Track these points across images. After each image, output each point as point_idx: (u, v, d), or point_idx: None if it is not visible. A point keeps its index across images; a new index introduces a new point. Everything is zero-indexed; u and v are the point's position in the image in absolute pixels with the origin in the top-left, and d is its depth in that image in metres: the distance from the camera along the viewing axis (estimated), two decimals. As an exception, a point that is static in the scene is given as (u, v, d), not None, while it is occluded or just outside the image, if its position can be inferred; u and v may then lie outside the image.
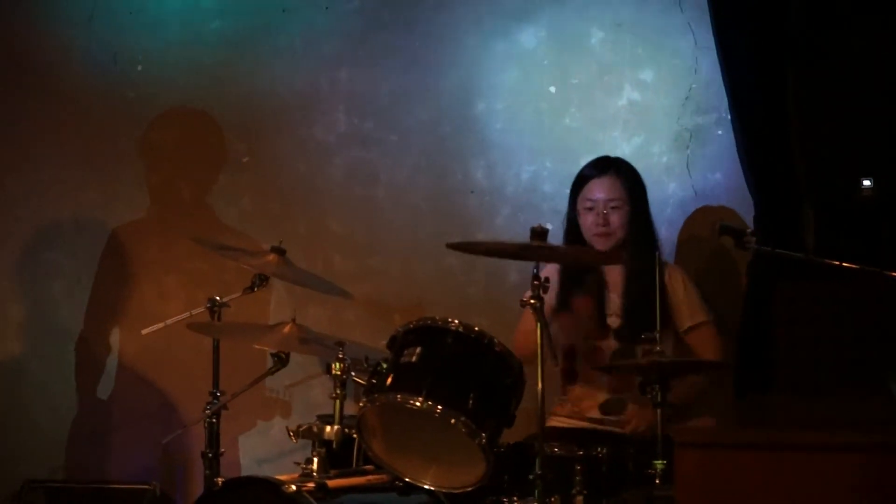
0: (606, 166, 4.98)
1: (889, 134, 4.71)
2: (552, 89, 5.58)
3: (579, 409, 4.84)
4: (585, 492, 4.20)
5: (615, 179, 4.91)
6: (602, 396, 4.82)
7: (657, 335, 4.42)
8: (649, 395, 4.39)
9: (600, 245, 4.84)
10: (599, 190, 4.91)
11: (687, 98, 5.40)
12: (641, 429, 4.69)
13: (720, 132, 5.23)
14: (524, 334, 4.67)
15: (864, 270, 3.89)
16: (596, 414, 4.83)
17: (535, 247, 4.14)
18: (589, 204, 4.92)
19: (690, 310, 4.86)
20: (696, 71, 5.34)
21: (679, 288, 4.87)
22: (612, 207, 4.87)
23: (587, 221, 4.91)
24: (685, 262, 5.27)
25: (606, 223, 4.85)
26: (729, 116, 5.13)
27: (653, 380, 4.19)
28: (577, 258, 4.80)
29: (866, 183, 4.56)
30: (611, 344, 4.87)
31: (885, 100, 4.73)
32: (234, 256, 5.21)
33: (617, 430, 4.74)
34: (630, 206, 4.87)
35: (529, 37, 5.65)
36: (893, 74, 4.71)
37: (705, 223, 5.20)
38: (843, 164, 4.77)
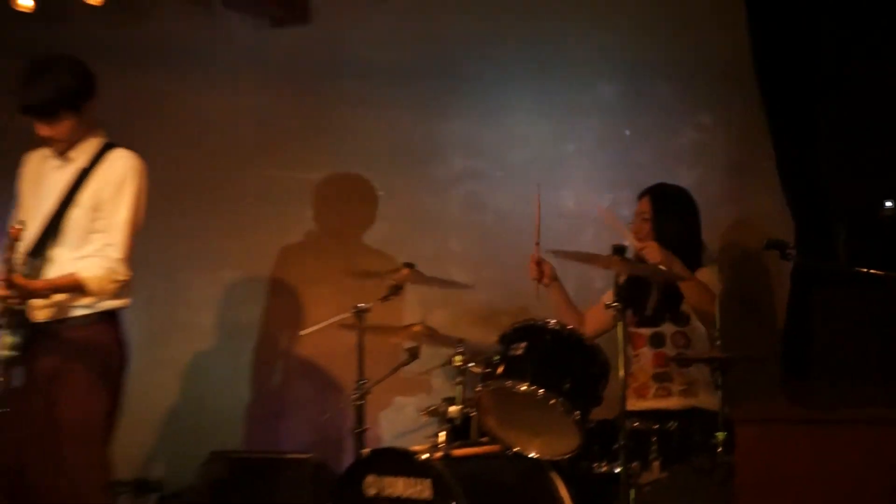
0: (647, 190, 5.03)
1: None
2: (627, 132, 5.64)
3: (637, 384, 4.82)
4: (660, 458, 4.30)
5: (646, 200, 4.97)
6: (650, 371, 4.82)
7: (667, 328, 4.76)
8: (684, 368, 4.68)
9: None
10: (639, 206, 5.01)
11: (739, 134, 5.40)
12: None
13: (765, 164, 5.15)
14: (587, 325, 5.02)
15: (888, 276, 3.89)
16: (652, 385, 4.82)
17: (615, 259, 4.25)
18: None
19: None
20: (745, 116, 5.29)
21: (705, 278, 4.77)
22: (643, 220, 4.93)
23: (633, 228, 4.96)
24: (733, 272, 5.25)
25: (639, 230, 4.89)
26: (773, 151, 5.07)
27: (714, 367, 4.28)
28: (647, 270, 4.67)
29: (888, 204, 4.73)
30: (645, 331, 4.89)
31: None
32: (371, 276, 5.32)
33: (682, 406, 4.73)
34: (653, 223, 4.89)
35: (608, 90, 5.69)
36: None
37: (753, 239, 5.18)
38: (868, 189, 4.82)
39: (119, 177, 4.26)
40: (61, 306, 4.20)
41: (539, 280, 5.10)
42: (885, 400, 2.83)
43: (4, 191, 4.51)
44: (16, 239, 4.06)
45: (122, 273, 4.19)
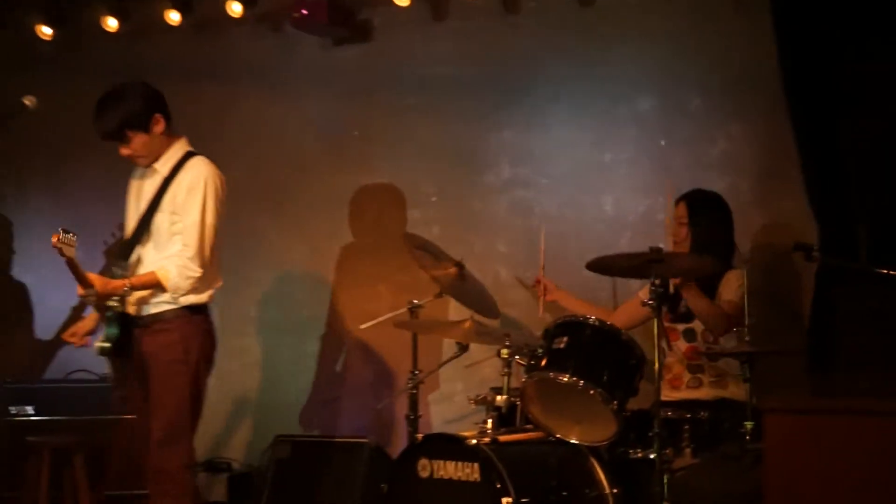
0: (684, 195, 4.99)
1: None
2: (662, 142, 5.58)
3: (672, 374, 4.80)
4: (692, 445, 4.29)
5: (682, 205, 4.93)
6: (683, 363, 4.80)
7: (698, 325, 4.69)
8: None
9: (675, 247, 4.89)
10: (676, 211, 4.96)
11: (767, 144, 5.32)
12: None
13: (793, 172, 5.04)
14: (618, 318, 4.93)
15: None
16: (685, 376, 4.80)
17: (652, 261, 4.22)
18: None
19: (729, 291, 4.70)
20: (774, 124, 5.16)
21: (733, 282, 4.71)
22: (680, 224, 4.91)
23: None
24: (762, 272, 5.14)
25: (677, 234, 4.90)
26: (798, 159, 4.97)
27: (743, 360, 4.23)
28: (682, 268, 4.56)
29: None
30: (679, 326, 4.86)
31: None
32: (427, 272, 5.22)
33: (712, 397, 4.69)
34: (690, 227, 4.87)
35: (644, 103, 5.65)
36: None
37: (781, 241, 5.13)
38: (889, 194, 4.73)
39: (192, 182, 4.40)
40: (153, 302, 4.39)
41: (543, 296, 5.21)
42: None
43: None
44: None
45: (194, 270, 4.33)
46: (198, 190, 4.38)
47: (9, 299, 6.83)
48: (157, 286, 4.33)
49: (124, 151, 4.46)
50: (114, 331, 4.34)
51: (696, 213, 4.93)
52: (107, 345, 4.34)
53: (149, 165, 4.50)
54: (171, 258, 4.35)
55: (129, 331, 4.39)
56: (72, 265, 4.22)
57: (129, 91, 4.45)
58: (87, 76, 6.42)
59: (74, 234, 4.17)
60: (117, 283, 4.31)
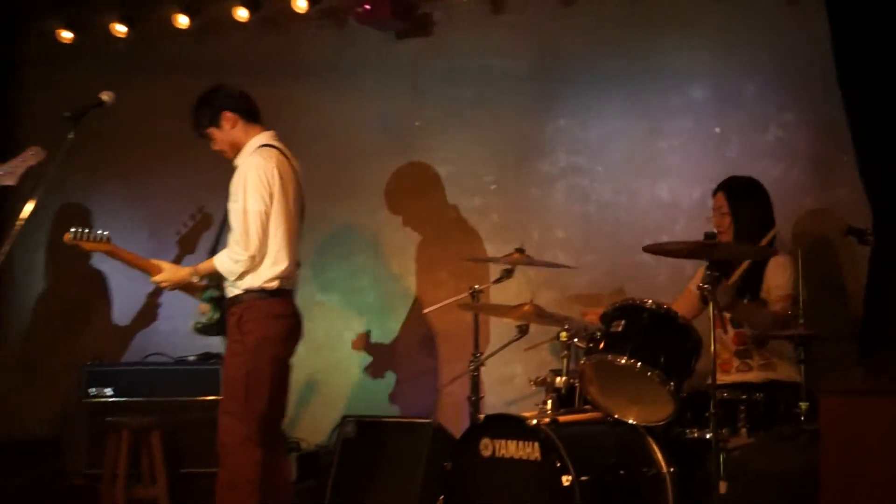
0: (721, 185, 4.92)
1: None
2: (717, 129, 5.54)
3: (720, 360, 4.53)
4: (747, 426, 4.27)
5: (721, 194, 4.88)
6: (732, 349, 4.71)
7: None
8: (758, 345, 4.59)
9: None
10: (715, 202, 4.92)
11: (819, 132, 5.29)
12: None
13: (846, 158, 5.01)
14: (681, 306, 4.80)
15: None
16: (734, 361, 4.71)
17: (706, 246, 4.14)
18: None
19: (779, 285, 4.62)
20: (826, 113, 5.15)
21: (779, 271, 4.65)
22: (722, 214, 4.84)
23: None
24: (815, 256, 5.12)
25: (720, 224, 4.82)
26: (851, 146, 4.89)
27: (797, 343, 4.17)
28: (734, 253, 4.57)
29: None
30: (725, 314, 4.64)
31: None
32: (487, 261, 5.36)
33: (765, 379, 4.59)
34: (731, 215, 4.81)
35: (699, 91, 5.61)
36: None
37: (833, 227, 5.10)
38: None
39: (242, 174, 4.52)
40: (229, 287, 4.52)
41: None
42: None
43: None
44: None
45: (239, 253, 4.41)
46: (241, 180, 4.48)
47: (88, 287, 6.91)
48: (216, 272, 4.50)
49: (213, 147, 4.70)
50: (214, 314, 4.62)
51: (736, 201, 4.86)
52: (199, 324, 4.67)
53: (233, 158, 4.64)
54: (227, 247, 4.51)
55: (223, 311, 4.60)
56: (120, 257, 4.62)
57: (206, 94, 4.68)
58: (159, 72, 6.60)
59: (99, 231, 4.54)
60: (186, 270, 4.59)
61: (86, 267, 6.81)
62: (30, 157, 4.35)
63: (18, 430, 6.67)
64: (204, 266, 4.56)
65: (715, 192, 4.95)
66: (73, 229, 4.59)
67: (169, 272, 4.59)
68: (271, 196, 4.44)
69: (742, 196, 4.88)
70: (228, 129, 4.61)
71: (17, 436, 6.59)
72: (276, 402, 4.57)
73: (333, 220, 6.37)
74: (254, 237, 4.40)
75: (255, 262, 4.43)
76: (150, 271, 4.62)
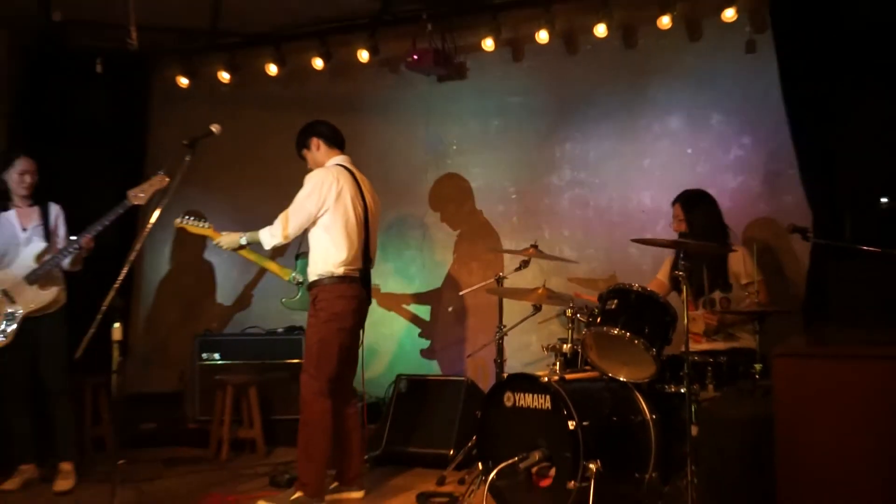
0: (677, 197, 4.89)
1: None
2: (689, 150, 5.52)
3: (692, 334, 4.56)
4: (714, 382, 4.28)
5: (678, 206, 4.86)
6: (703, 326, 4.67)
7: (717, 295, 4.57)
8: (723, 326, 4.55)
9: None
10: (674, 211, 4.90)
11: (771, 151, 5.23)
12: (712, 329, 4.64)
13: (791, 172, 5.00)
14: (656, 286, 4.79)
15: (884, 252, 3.76)
16: (704, 336, 4.68)
17: (680, 242, 4.31)
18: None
19: (748, 274, 4.59)
20: (776, 136, 5.10)
21: (740, 263, 4.67)
22: (679, 220, 4.84)
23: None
24: (766, 251, 5.12)
25: (678, 228, 4.82)
26: (796, 162, 4.90)
27: (754, 318, 4.11)
28: (698, 248, 4.42)
29: (884, 200, 4.49)
30: (698, 300, 4.70)
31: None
32: (509, 253, 5.26)
33: (728, 346, 4.58)
34: (686, 221, 4.77)
35: (675, 121, 5.58)
36: None
37: (781, 227, 4.98)
38: (868, 190, 4.58)
39: (306, 181, 4.55)
40: (311, 272, 4.53)
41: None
42: (885, 342, 2.67)
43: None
44: None
45: (276, 232, 4.50)
46: (305, 184, 4.54)
47: (201, 275, 6.95)
48: (258, 241, 4.57)
49: (307, 166, 4.72)
50: (300, 294, 4.76)
51: (690, 210, 4.82)
52: (287, 301, 4.82)
53: None
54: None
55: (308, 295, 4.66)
56: (211, 236, 4.71)
57: (305, 125, 4.76)
58: (254, 108, 6.62)
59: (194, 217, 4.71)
60: (237, 234, 4.64)
61: (200, 259, 6.86)
62: (156, 182, 4.38)
63: (148, 386, 6.72)
64: (251, 234, 4.60)
65: (673, 203, 4.91)
66: (180, 217, 4.67)
67: (225, 236, 4.66)
68: (323, 202, 4.46)
69: (695, 205, 4.83)
70: (314, 150, 4.68)
71: (148, 390, 6.64)
72: (345, 365, 4.56)
73: (389, 223, 6.36)
74: (293, 225, 4.47)
75: (286, 242, 4.53)
76: (213, 237, 4.72)
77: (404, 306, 6.37)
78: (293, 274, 4.75)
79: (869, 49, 4.53)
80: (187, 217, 4.67)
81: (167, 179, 4.27)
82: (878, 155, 4.60)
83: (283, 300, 4.79)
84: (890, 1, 4.50)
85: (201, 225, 4.67)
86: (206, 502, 4.66)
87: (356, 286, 4.55)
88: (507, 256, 5.87)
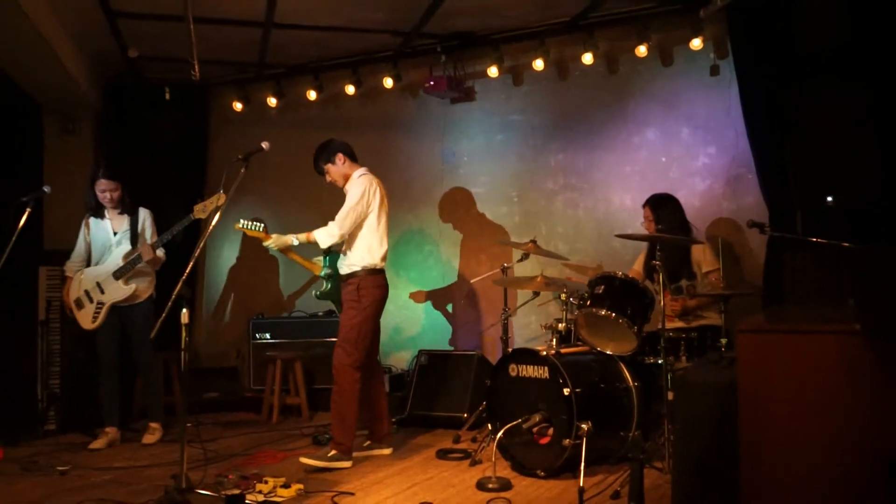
0: (647, 201, 4.84)
1: (840, 173, 4.48)
2: (663, 159, 5.45)
3: (667, 312, 4.47)
4: (686, 354, 4.28)
5: (647, 208, 4.82)
6: (674, 309, 4.62)
7: (683, 283, 4.59)
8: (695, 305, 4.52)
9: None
10: (644, 213, 4.86)
11: (733, 159, 5.17)
12: (689, 307, 4.60)
13: (750, 176, 4.98)
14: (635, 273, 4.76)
15: (830, 243, 3.72)
16: (676, 316, 4.63)
17: (657, 236, 4.27)
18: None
19: (708, 264, 4.64)
20: (737, 146, 5.09)
21: (701, 254, 4.67)
22: (649, 221, 4.79)
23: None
24: (728, 244, 5.04)
25: (648, 227, 4.77)
26: (755, 168, 4.87)
27: (718, 299, 4.11)
28: (672, 242, 4.43)
29: (829, 199, 4.46)
30: (670, 285, 4.64)
31: (841, 156, 4.47)
32: (512, 246, 5.23)
33: (697, 324, 4.54)
34: (655, 220, 4.70)
35: (651, 133, 5.49)
36: (844, 137, 4.46)
37: (742, 222, 4.99)
38: (816, 190, 4.49)
39: (353, 186, 4.51)
40: (347, 265, 4.46)
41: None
42: (832, 318, 2.59)
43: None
44: None
45: (334, 231, 4.39)
46: (353, 190, 4.47)
47: (255, 269, 6.92)
48: (313, 241, 4.44)
49: (327, 179, 4.60)
50: (328, 285, 4.61)
51: (658, 210, 4.76)
52: (319, 293, 4.64)
53: (342, 186, 4.59)
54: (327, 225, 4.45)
55: (337, 286, 4.58)
56: (254, 237, 4.56)
57: (323, 144, 4.62)
58: (297, 129, 6.57)
59: (257, 223, 4.55)
60: (289, 236, 4.45)
61: (254, 255, 6.84)
62: (215, 200, 4.39)
63: (210, 361, 6.78)
64: (303, 235, 4.43)
65: (644, 206, 4.86)
66: (241, 220, 4.60)
67: (275, 238, 4.47)
68: (368, 204, 4.43)
69: (662, 206, 4.78)
70: (340, 164, 4.54)
71: (210, 365, 6.69)
72: (373, 342, 4.56)
73: (410, 223, 6.35)
74: (347, 225, 4.39)
75: (341, 241, 4.42)
76: (264, 239, 4.56)
77: (424, 293, 6.34)
78: (325, 269, 4.65)
79: (816, 69, 4.49)
80: (246, 222, 4.60)
81: (224, 197, 4.28)
82: (825, 160, 4.58)
83: (316, 293, 4.66)
84: (833, 28, 4.47)
85: (255, 227, 4.63)
86: (259, 457, 4.67)
87: (384, 277, 4.55)
88: (510, 250, 5.81)
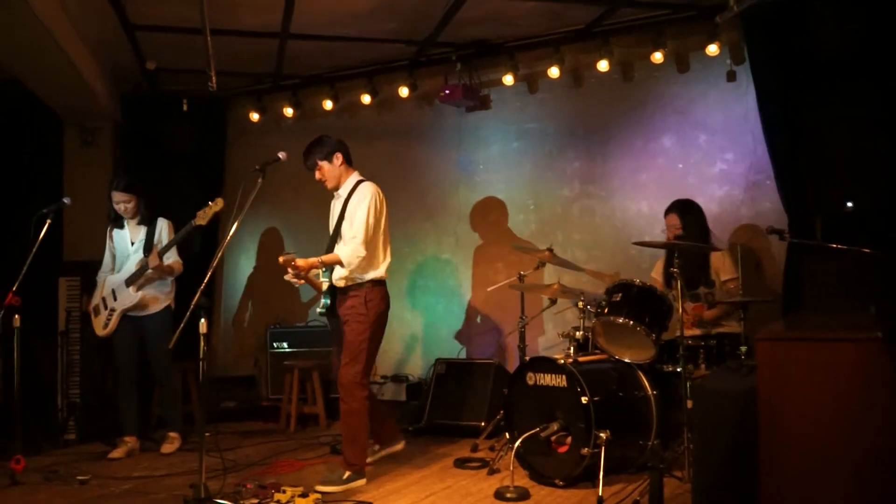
0: (672, 207, 4.81)
1: (858, 178, 4.50)
2: (680, 166, 5.44)
3: (685, 320, 4.36)
4: (705, 362, 4.28)
5: (674, 214, 4.78)
6: (693, 316, 4.60)
7: (702, 290, 4.55)
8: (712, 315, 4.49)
9: None
10: (669, 220, 4.82)
11: (751, 165, 5.15)
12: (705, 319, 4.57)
13: (769, 182, 4.93)
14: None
15: (850, 249, 3.69)
16: (693, 325, 4.61)
17: (675, 244, 4.25)
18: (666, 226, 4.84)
19: (726, 272, 4.63)
20: (754, 151, 5.07)
21: (720, 261, 4.65)
22: (676, 228, 4.72)
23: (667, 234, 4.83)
24: (748, 251, 4.97)
25: (673, 235, 4.69)
26: (773, 173, 4.83)
27: (737, 306, 4.11)
28: (689, 249, 4.32)
29: (849, 204, 4.47)
30: (687, 293, 4.63)
31: (858, 161, 4.49)
32: (529, 253, 5.14)
33: (717, 332, 4.53)
34: (683, 229, 4.64)
35: (668, 140, 5.48)
36: (861, 142, 4.46)
37: (761, 229, 4.99)
38: (835, 196, 4.52)
39: (361, 197, 4.26)
40: (349, 278, 4.26)
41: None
42: (853, 326, 2.59)
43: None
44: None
45: (360, 251, 4.16)
46: (364, 202, 4.22)
47: (272, 280, 6.87)
48: (337, 262, 4.19)
49: (316, 176, 4.37)
50: (328, 299, 4.34)
51: (685, 216, 4.72)
52: (325, 309, 4.36)
53: (334, 190, 4.40)
54: (347, 245, 4.20)
55: (335, 298, 4.34)
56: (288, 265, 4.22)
57: (320, 138, 4.42)
58: (314, 138, 6.64)
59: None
60: (313, 259, 4.19)
61: (270, 267, 6.89)
62: (214, 206, 4.33)
63: (228, 370, 6.82)
64: (328, 257, 4.21)
65: (668, 213, 4.81)
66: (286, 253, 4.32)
67: (302, 260, 4.12)
68: (379, 213, 4.29)
69: (690, 213, 4.76)
70: (336, 164, 4.32)
71: (228, 374, 6.73)
72: (375, 353, 4.39)
73: (428, 231, 6.36)
74: (366, 239, 4.19)
75: (370, 260, 4.23)
76: (291, 262, 4.24)
77: (440, 300, 6.34)
78: (326, 283, 4.41)
79: (833, 74, 4.47)
80: (287, 253, 4.31)
81: (222, 202, 4.25)
82: (844, 166, 4.55)
83: (320, 310, 4.42)
84: (849, 33, 4.44)
85: (287, 252, 4.40)
86: (277, 466, 4.69)
87: (386, 289, 4.38)
88: (526, 258, 5.75)
